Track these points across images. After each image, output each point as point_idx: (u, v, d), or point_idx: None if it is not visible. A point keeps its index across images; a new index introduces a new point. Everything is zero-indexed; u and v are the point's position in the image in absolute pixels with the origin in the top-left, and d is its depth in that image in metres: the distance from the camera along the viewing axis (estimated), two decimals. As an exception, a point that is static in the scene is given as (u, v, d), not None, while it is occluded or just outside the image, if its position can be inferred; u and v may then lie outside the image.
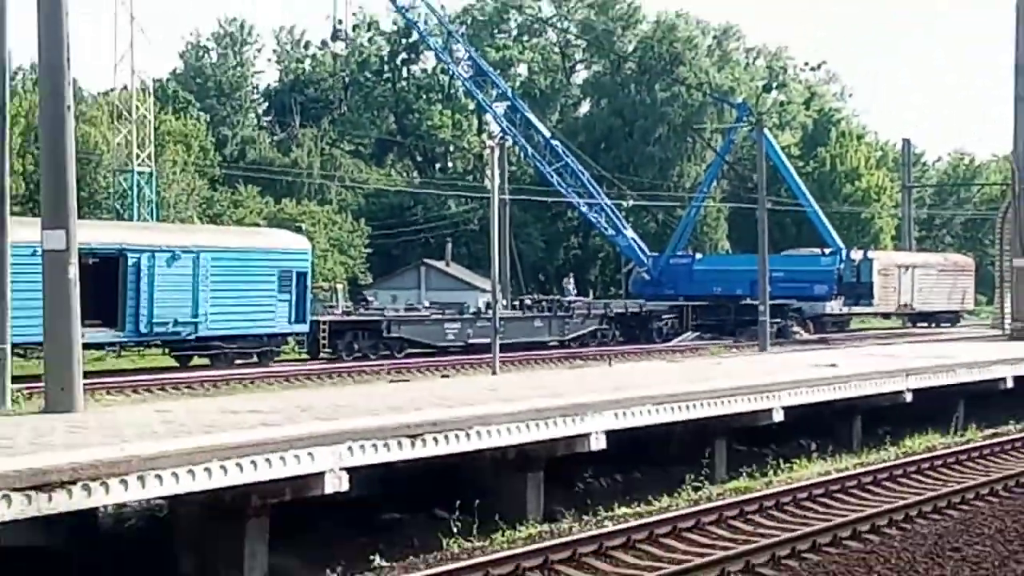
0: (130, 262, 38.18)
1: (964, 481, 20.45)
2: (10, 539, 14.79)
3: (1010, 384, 29.06)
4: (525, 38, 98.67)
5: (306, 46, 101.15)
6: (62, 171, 18.56)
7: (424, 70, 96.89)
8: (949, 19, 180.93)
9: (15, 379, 24.99)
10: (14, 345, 25.31)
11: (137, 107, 59.78)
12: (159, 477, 13.09)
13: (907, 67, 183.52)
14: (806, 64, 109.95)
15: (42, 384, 19.24)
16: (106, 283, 37.02)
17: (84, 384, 18.98)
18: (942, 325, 67.08)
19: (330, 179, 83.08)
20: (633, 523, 16.57)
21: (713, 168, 73.24)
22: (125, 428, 15.75)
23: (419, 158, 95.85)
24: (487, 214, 43.55)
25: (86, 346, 23.13)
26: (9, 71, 27.53)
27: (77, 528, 14.66)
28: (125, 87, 60.85)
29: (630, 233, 61.78)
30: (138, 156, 59.35)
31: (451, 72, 69.75)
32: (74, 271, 18.43)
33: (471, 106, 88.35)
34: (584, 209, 60.82)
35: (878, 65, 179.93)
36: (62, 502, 12.23)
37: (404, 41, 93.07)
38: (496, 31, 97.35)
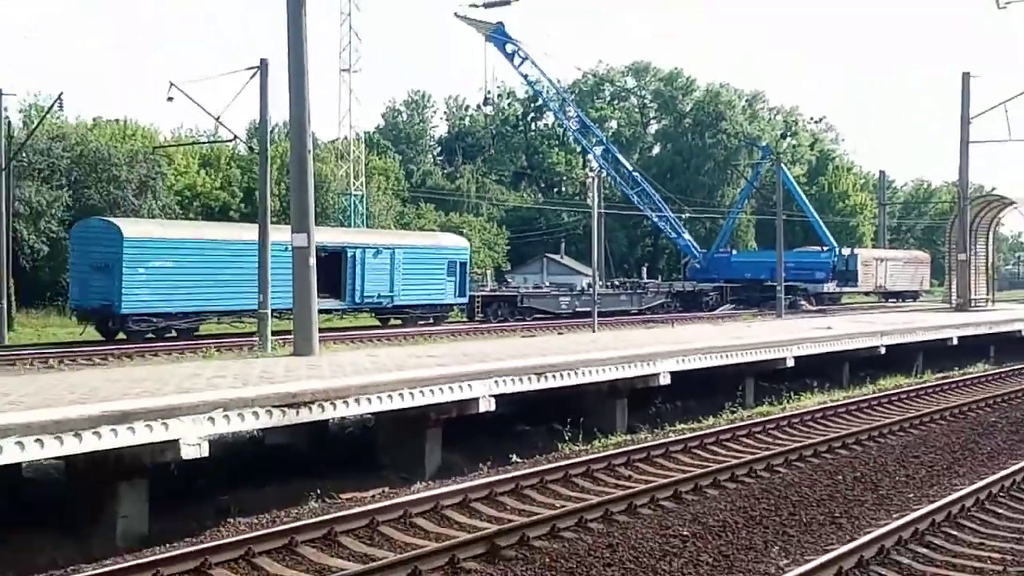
0: (349, 255, 38.73)
1: (922, 409, 20.07)
2: (271, 440, 15.14)
3: (955, 342, 28.57)
4: (615, 102, 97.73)
5: (466, 108, 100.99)
6: (304, 194, 18.90)
7: (546, 124, 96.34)
8: (915, 80, 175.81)
9: (274, 333, 25.55)
10: (273, 310, 25.89)
11: (353, 150, 60.43)
12: (368, 400, 13.31)
13: (884, 116, 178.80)
14: (811, 118, 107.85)
15: (292, 336, 19.61)
16: (333, 269, 37.61)
17: (319, 336, 19.33)
18: (907, 301, 65.38)
19: (482, 199, 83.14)
20: (688, 435, 16.50)
21: (745, 191, 72.28)
22: (346, 366, 16.03)
23: (542, 184, 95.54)
24: (589, 223, 43.32)
25: (320, 311, 23.59)
26: (269, 128, 28.05)
27: (314, 433, 14.98)
28: (346, 137, 61.48)
29: (687, 236, 61.15)
30: (354, 184, 60.00)
31: (564, 126, 69.38)
32: (312, 261, 18.78)
33: (578, 149, 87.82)
34: (655, 219, 60.29)
35: (864, 115, 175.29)
36: (305, 416, 12.49)
37: (532, 104, 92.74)
38: (595, 97, 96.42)
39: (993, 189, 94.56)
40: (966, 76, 39.97)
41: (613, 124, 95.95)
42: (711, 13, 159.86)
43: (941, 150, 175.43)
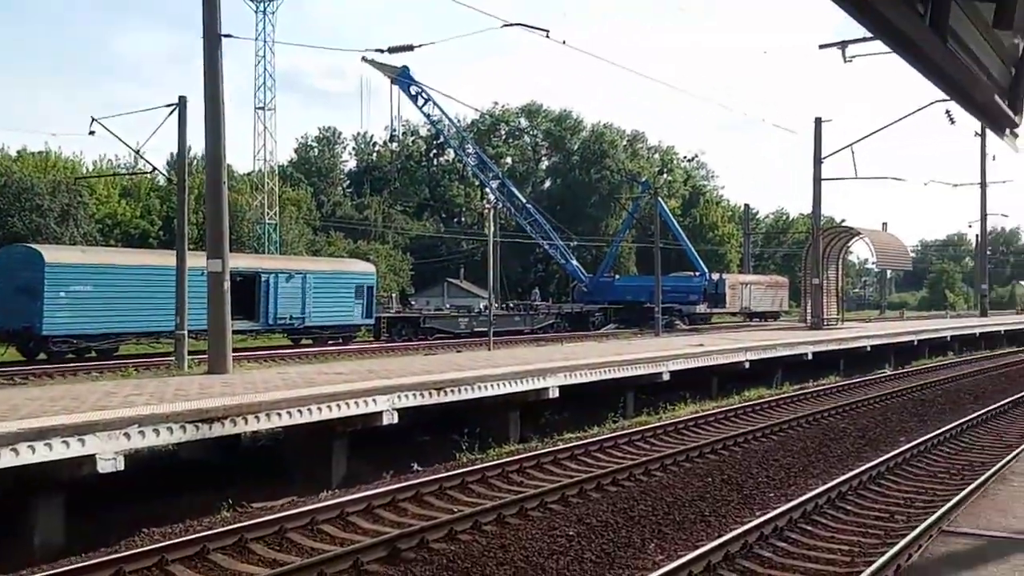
0: (262, 279, 38.07)
1: (781, 417, 20.53)
2: (185, 455, 14.73)
3: (810, 357, 29.30)
4: (510, 140, 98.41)
5: (374, 144, 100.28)
6: (220, 222, 18.53)
7: (447, 160, 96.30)
8: (775, 123, 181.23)
9: (190, 353, 24.89)
10: (190, 331, 25.24)
11: (267, 182, 59.53)
12: (279, 414, 13.07)
13: (749, 155, 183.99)
14: (685, 157, 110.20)
15: (207, 355, 19.14)
16: (248, 292, 36.93)
17: (233, 356, 18.92)
18: (768, 320, 67.04)
19: (388, 228, 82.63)
20: (575, 443, 16.58)
21: (626, 222, 73.43)
22: (258, 383, 15.72)
23: (444, 215, 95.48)
24: (486, 250, 43.45)
25: (235, 332, 23.07)
26: (187, 160, 27.44)
27: (227, 447, 14.62)
28: (260, 169, 60.53)
29: (575, 262, 61.85)
30: (268, 213, 59.07)
31: (463, 161, 69.57)
32: (227, 285, 18.41)
33: (476, 183, 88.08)
34: (546, 247, 60.81)
35: (732, 153, 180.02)
36: (217, 430, 12.20)
37: (434, 141, 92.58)
38: (492, 135, 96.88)
39: (843, 221, 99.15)
40: (818, 121, 41.37)
41: (508, 160, 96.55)
42: (596, 60, 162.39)
43: (798, 186, 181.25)
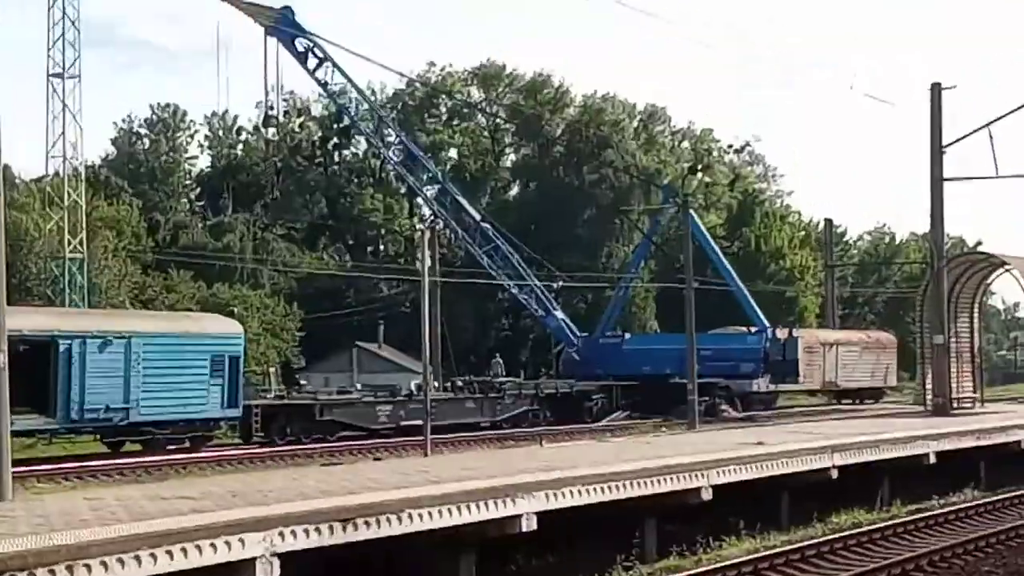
0: (61, 348, 37.73)
1: (889, 557, 20.54)
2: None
3: (933, 459, 29.29)
4: (455, 122, 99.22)
5: (238, 132, 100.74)
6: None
7: (355, 154, 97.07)
8: (868, 101, 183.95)
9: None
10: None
11: (69, 193, 59.26)
12: (87, 566, 12.90)
13: (828, 147, 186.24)
14: (730, 147, 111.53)
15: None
16: (37, 369, 36.55)
17: (13, 472, 18.70)
18: (866, 401, 67.52)
19: (262, 263, 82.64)
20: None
21: (641, 249, 73.90)
22: (54, 516, 15.53)
23: (351, 241, 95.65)
24: (419, 296, 43.50)
25: (16, 433, 22.84)
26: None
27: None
28: (57, 173, 60.33)
29: (560, 314, 61.91)
30: (70, 243, 58.77)
31: (382, 156, 70.09)
32: (3, 358, 18.24)
33: (403, 190, 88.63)
34: (514, 291, 60.82)
35: (800, 146, 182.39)
36: (-12, 594, 12.02)
37: (335, 126, 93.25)
38: (426, 116, 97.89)
39: (978, 245, 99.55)
40: (936, 88, 41.70)
41: (453, 154, 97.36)
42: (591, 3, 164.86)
43: (907, 190, 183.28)
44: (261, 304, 73.53)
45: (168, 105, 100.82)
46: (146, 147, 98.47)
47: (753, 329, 61.56)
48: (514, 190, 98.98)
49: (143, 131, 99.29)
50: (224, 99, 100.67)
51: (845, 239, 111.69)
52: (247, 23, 52.50)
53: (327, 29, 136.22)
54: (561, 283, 65.05)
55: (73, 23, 58.28)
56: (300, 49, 53.60)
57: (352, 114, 63.48)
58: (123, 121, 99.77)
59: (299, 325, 75.71)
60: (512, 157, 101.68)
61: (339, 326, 79.63)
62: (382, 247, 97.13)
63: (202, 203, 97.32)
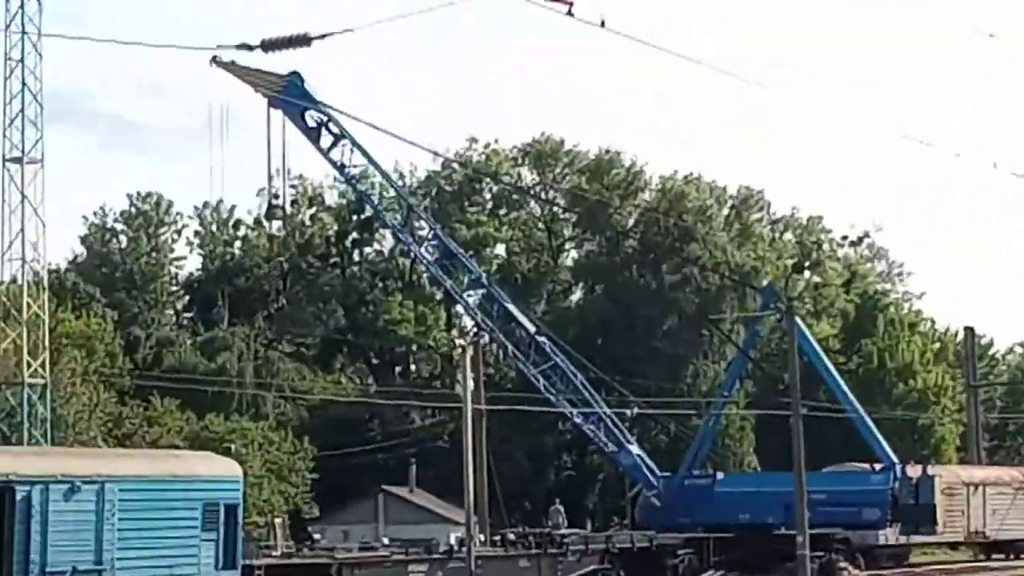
0: (19, 497, 37.82)
1: None
2: None
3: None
4: (502, 212, 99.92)
5: (235, 226, 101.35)
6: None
7: (380, 253, 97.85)
8: (1017, 182, 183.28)
9: None
10: None
11: (29, 304, 59.66)
12: None
13: (968, 238, 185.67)
14: (844, 238, 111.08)
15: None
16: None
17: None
18: (1022, 556, 66.64)
19: (266, 388, 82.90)
20: None
21: (735, 367, 73.61)
22: None
23: (375, 360, 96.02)
24: (459, 428, 43.66)
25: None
26: None
27: None
28: (15, 279, 60.80)
29: (635, 449, 61.56)
30: (29, 365, 59.05)
31: (412, 254, 70.19)
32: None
33: (438, 296, 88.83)
34: (578, 420, 60.59)
35: (933, 237, 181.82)
36: None
37: (355, 218, 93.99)
38: (467, 204, 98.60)
39: None
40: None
41: (501, 250, 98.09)
42: (658, 56, 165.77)
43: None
44: (264, 439, 73.58)
45: (150, 194, 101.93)
46: (123, 246, 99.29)
47: (878, 466, 60.96)
48: (576, 294, 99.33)
49: (119, 227, 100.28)
50: (218, 186, 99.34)
51: (991, 353, 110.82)
52: (245, 93, 53.03)
53: (343, 99, 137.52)
54: (636, 410, 64.94)
55: (35, 96, 58.66)
56: (311, 124, 54.04)
57: (375, 203, 64.07)
58: (95, 215, 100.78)
59: (311, 465, 75.61)
60: (573, 254, 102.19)
61: (361, 466, 79.72)
62: (413, 367, 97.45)
63: (191, 314, 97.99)
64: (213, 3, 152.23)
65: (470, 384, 36.98)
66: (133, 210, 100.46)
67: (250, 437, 71.72)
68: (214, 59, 50.54)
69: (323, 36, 42.35)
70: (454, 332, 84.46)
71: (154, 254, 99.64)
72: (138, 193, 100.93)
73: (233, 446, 63.61)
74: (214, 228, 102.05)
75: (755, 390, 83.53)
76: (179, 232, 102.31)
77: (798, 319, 55.88)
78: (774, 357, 75.39)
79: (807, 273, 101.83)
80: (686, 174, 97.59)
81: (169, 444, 64.80)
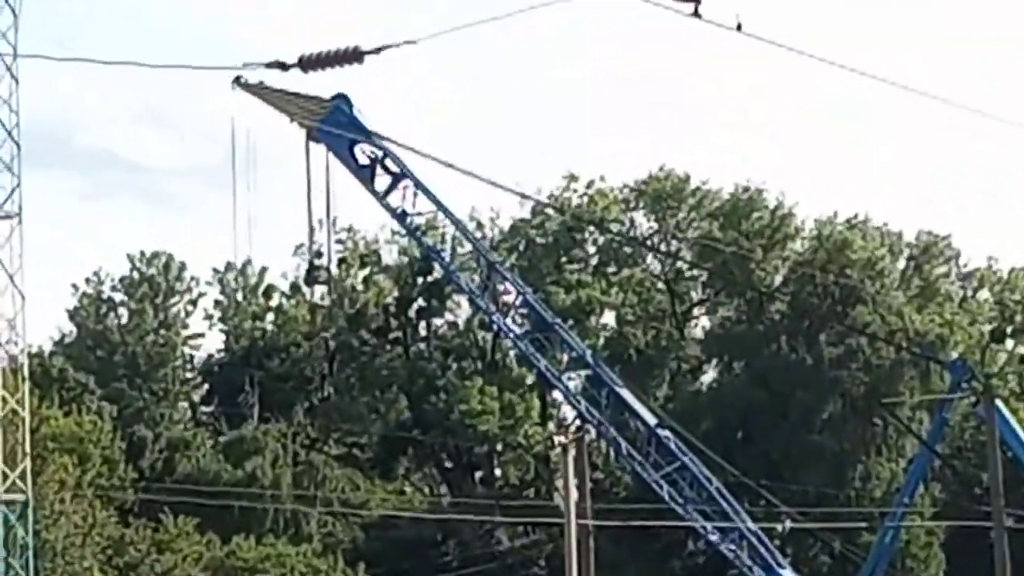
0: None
1: None
2: None
3: None
4: (611, 269, 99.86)
5: (267, 293, 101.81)
6: None
7: (453, 324, 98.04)
8: None
9: None
10: None
11: (5, 399, 60.18)
12: None
13: None
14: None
15: None
16: None
17: None
18: None
19: (309, 502, 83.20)
20: None
21: (918, 465, 73.26)
22: None
23: (448, 464, 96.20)
24: (559, 550, 43.83)
25: None
26: None
27: None
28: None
29: (789, 573, 61.57)
30: (6, 477, 59.53)
31: (495, 326, 70.31)
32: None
33: (529, 379, 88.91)
34: (714, 538, 60.39)
35: None
36: None
37: (420, 281, 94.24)
38: (565, 259, 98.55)
39: None
40: None
41: (610, 319, 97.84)
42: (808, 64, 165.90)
43: None
44: (308, 568, 73.84)
45: (157, 255, 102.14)
46: (123, 322, 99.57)
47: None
48: (709, 374, 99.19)
49: (118, 297, 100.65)
50: (244, 244, 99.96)
51: None
52: (278, 123, 53.34)
53: (402, 129, 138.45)
54: (790, 523, 64.77)
55: (9, 133, 59.18)
56: (363, 161, 54.06)
57: (446, 261, 64.08)
58: (87, 282, 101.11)
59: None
60: (704, 323, 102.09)
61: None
62: (498, 472, 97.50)
63: (212, 408, 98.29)
64: (239, 22, 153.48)
65: (573, 493, 37.03)
66: (136, 275, 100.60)
67: (289, 565, 71.94)
68: (238, 80, 50.94)
69: (378, 50, 42.81)
70: (551, 426, 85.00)
71: (163, 331, 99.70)
72: (142, 253, 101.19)
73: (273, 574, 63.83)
74: (239, 297, 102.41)
75: (944, 495, 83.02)
76: (195, 303, 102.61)
77: (999, 402, 55.66)
78: (968, 452, 74.84)
79: (1009, 342, 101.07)
80: (849, 217, 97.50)
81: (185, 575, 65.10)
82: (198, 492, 77.41)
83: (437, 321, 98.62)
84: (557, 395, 69.05)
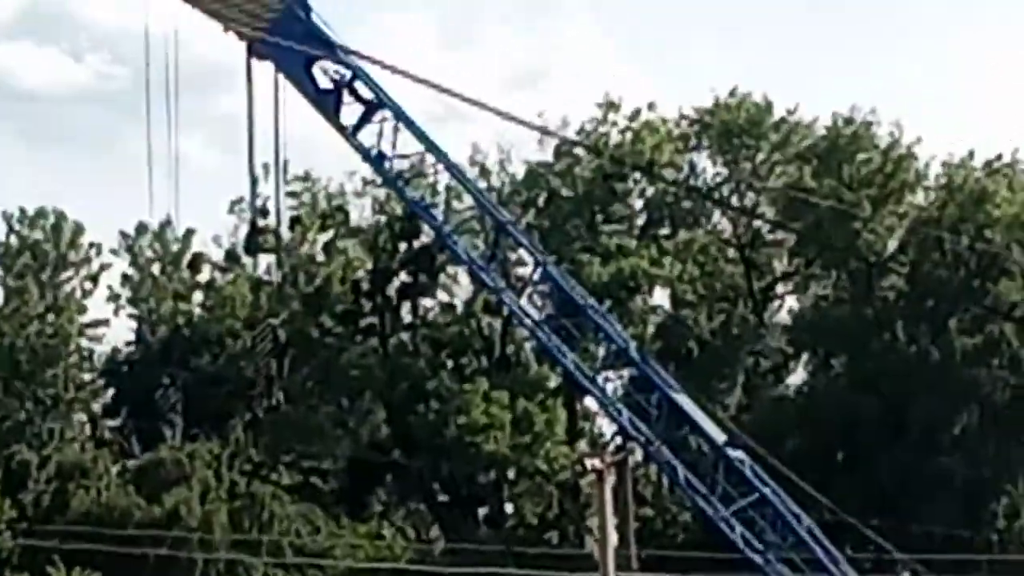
0: None
1: None
2: None
3: None
4: (664, 231, 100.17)
5: (194, 265, 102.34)
6: None
7: (448, 307, 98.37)
8: None
9: None
10: None
11: None
12: None
13: None
14: None
15: None
16: None
17: None
18: None
19: (252, 549, 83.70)
20: None
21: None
22: None
23: (441, 497, 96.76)
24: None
25: None
26: None
27: None
28: None
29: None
30: None
31: (506, 309, 70.72)
32: None
33: (552, 381, 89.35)
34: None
35: None
36: None
37: (404, 247, 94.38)
38: (601, 218, 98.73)
39: None
40: None
41: (660, 298, 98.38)
42: None
43: None
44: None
45: (43, 213, 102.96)
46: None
47: None
48: (797, 374, 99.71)
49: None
50: (162, 198, 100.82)
51: None
52: (210, 35, 53.71)
53: (378, 41, 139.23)
54: (909, 573, 65.34)
55: None
56: (325, 85, 54.48)
57: (438, 221, 64.27)
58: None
59: None
60: (792, 303, 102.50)
61: None
62: (509, 507, 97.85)
63: (118, 422, 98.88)
64: None
65: (612, 537, 37.37)
66: (14, 241, 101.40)
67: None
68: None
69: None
70: (581, 446, 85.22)
71: (52, 317, 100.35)
72: (22, 212, 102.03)
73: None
74: (156, 270, 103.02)
75: None
76: (95, 278, 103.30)
77: None
78: None
79: None
80: (988, 159, 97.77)
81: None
82: (99, 536, 77.87)
83: (426, 302, 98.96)
84: (590, 403, 69.34)
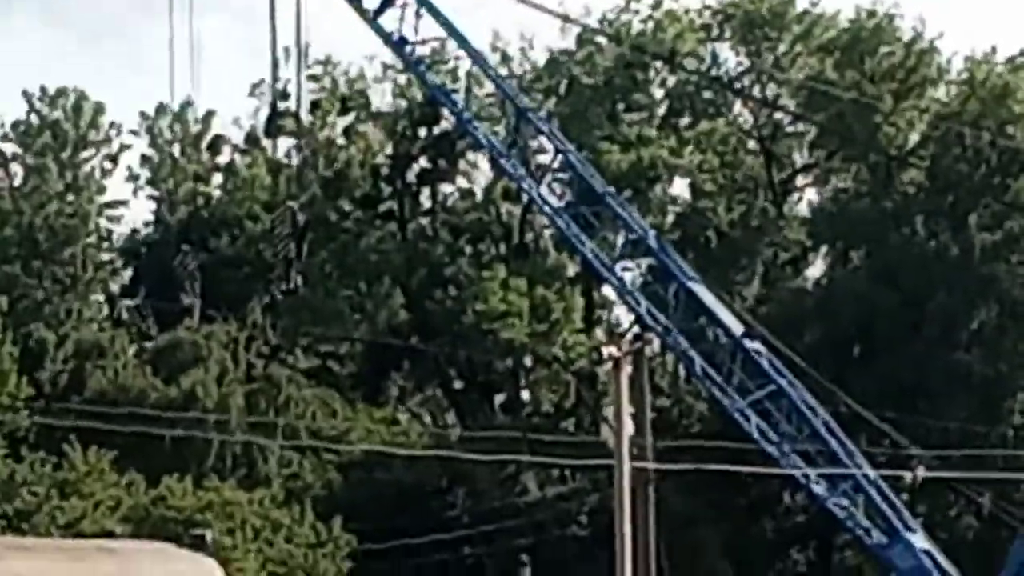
0: None
1: None
2: None
3: None
4: (684, 120, 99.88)
5: (213, 146, 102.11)
6: None
7: (468, 193, 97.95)
8: None
9: None
10: None
11: None
12: None
13: None
14: None
15: None
16: None
17: None
18: None
19: (267, 432, 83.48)
20: None
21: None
22: None
23: (457, 384, 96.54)
24: (606, 502, 44.13)
25: None
26: None
27: None
28: None
29: (920, 540, 61.53)
30: None
31: (525, 195, 70.37)
32: None
33: (570, 270, 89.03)
34: (818, 489, 60.63)
35: None
36: None
37: (424, 133, 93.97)
38: (622, 107, 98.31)
39: None
40: None
41: (680, 188, 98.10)
42: None
43: None
44: (264, 520, 74.08)
45: (64, 92, 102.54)
46: (17, 183, 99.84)
47: None
48: (816, 267, 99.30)
49: (10, 148, 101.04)
50: (183, 80, 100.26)
51: None
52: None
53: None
54: (924, 471, 64.99)
55: None
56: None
57: (459, 107, 63.97)
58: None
59: (347, 566, 76.08)
60: (812, 196, 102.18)
61: (432, 567, 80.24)
62: (526, 395, 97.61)
63: (135, 302, 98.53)
64: None
65: (627, 426, 37.09)
66: (35, 119, 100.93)
67: (239, 517, 72.06)
68: None
69: None
70: (598, 334, 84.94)
71: (71, 197, 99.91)
72: (43, 90, 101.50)
73: (210, 532, 64.17)
74: (176, 151, 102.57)
75: None
76: (115, 158, 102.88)
77: None
78: None
79: None
80: (1011, 54, 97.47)
81: (98, 528, 65.24)
82: (116, 416, 77.51)
83: (446, 188, 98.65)
84: (608, 292, 69.09)
